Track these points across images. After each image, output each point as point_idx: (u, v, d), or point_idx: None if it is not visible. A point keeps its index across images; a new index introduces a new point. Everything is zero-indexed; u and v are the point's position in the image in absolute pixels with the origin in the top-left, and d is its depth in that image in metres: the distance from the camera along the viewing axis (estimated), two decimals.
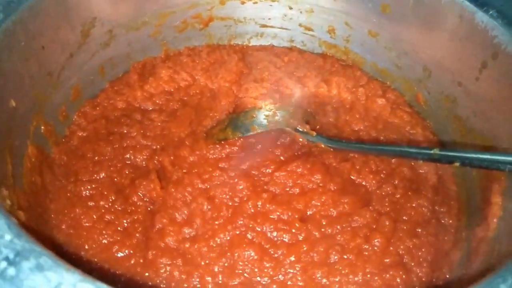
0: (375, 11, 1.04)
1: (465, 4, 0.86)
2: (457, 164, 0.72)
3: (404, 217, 0.85)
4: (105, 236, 0.81)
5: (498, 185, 0.78)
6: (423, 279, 0.78)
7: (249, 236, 0.81)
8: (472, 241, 0.79)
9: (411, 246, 0.81)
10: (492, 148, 0.85)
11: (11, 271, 0.39)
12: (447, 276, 0.78)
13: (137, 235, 0.82)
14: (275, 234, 0.82)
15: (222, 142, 0.95)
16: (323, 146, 0.94)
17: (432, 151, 0.76)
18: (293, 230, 0.82)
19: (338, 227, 0.82)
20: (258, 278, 0.77)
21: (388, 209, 0.86)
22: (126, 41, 1.05)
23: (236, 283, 0.77)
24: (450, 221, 0.86)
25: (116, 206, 0.85)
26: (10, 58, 0.72)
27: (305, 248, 0.79)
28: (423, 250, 0.81)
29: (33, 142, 0.80)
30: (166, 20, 1.10)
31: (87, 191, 0.87)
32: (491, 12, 0.82)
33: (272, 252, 0.80)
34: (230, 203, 0.86)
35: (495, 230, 0.74)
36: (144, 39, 1.09)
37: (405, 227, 0.83)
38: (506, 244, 0.66)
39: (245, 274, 0.78)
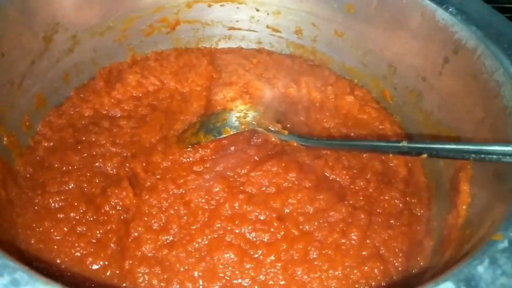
0: (340, 11, 1.07)
1: (426, 3, 0.90)
2: (424, 155, 0.74)
3: (378, 210, 0.87)
4: (78, 248, 0.78)
5: (465, 173, 0.81)
6: (400, 268, 0.80)
7: (227, 238, 0.81)
8: (444, 228, 0.82)
9: (386, 238, 0.83)
10: (457, 139, 0.89)
11: None
12: (422, 264, 0.80)
13: (112, 245, 0.80)
14: (253, 234, 0.81)
15: (195, 146, 0.94)
16: (295, 144, 0.95)
17: (400, 144, 0.78)
18: (272, 230, 0.82)
19: (316, 223, 0.83)
20: (240, 280, 0.77)
21: (362, 203, 0.88)
22: (91, 46, 1.02)
23: (217, 287, 0.76)
24: (422, 211, 0.89)
25: (87, 216, 0.83)
26: None
27: (284, 247, 0.80)
28: (398, 241, 0.83)
29: None
30: (131, 24, 1.08)
31: (56, 203, 0.83)
32: (450, 10, 0.86)
33: (251, 253, 0.79)
34: (207, 207, 0.85)
35: (465, 217, 0.77)
36: (110, 44, 1.07)
37: (379, 220, 0.85)
38: (477, 229, 0.69)
39: (226, 277, 0.77)
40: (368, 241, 0.82)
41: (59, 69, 0.96)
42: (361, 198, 0.89)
